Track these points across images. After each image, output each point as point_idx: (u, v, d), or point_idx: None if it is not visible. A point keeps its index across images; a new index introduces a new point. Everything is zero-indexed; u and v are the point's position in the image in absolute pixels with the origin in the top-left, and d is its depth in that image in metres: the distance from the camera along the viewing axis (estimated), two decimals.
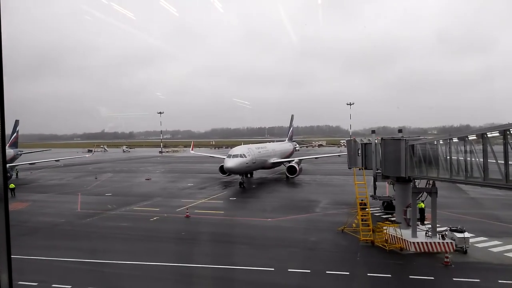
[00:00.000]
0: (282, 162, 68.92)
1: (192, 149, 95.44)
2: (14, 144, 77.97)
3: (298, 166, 62.90)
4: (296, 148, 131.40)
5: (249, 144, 74.27)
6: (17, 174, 73.05)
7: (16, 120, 79.45)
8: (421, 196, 28.21)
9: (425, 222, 31.20)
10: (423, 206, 31.48)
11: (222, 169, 58.38)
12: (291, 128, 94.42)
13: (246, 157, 54.85)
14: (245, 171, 57.99)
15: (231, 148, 64.36)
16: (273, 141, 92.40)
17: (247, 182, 60.52)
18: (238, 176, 58.31)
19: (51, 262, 25.30)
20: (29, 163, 74.86)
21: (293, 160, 66.80)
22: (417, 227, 27.32)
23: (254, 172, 67.14)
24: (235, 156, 54.29)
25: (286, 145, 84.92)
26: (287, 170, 63.17)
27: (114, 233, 32.77)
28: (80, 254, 26.69)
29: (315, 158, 79.25)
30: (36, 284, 21.19)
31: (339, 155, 77.03)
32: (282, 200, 47.31)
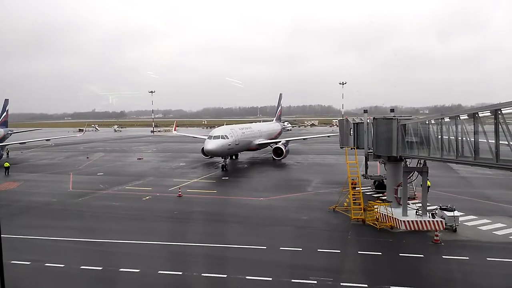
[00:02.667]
0: (268, 143, 65.91)
1: (175, 129, 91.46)
2: (4, 124, 76.99)
3: (285, 148, 60.17)
4: (288, 128, 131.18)
5: (240, 124, 72.07)
6: (7, 154, 72.41)
7: (5, 99, 78.27)
8: (412, 174, 28.55)
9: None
10: (429, 184, 32.35)
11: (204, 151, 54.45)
12: (279, 107, 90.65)
13: (228, 138, 51.40)
14: (227, 154, 54.28)
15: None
16: (267, 121, 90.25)
17: (232, 164, 59.11)
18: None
19: (43, 242, 25.30)
20: (20, 143, 74.20)
21: (279, 141, 64.00)
22: (408, 205, 27.65)
23: (239, 154, 64.91)
24: (216, 137, 50.87)
25: (273, 125, 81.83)
26: (273, 152, 60.57)
27: (106, 212, 32.78)
28: (73, 233, 26.73)
29: (304, 139, 77.20)
30: (29, 263, 21.20)
31: (328, 136, 74.62)
32: (274, 179, 47.51)
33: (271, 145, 64.88)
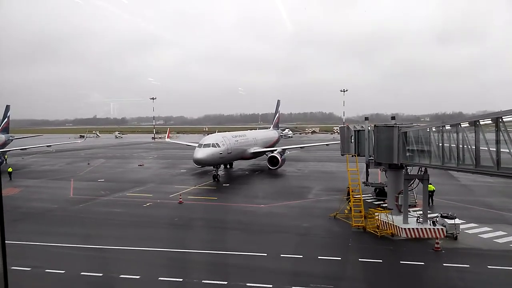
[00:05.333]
0: (264, 152, 62.17)
1: (168, 137, 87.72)
2: (5, 129, 77.13)
3: (281, 157, 57.06)
4: (289, 135, 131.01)
5: (235, 131, 69.62)
6: (6, 160, 72.38)
7: (7, 105, 78.46)
8: (413, 182, 28.59)
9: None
10: (433, 188, 33.84)
11: None
12: (277, 114, 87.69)
13: (219, 146, 48.37)
14: (218, 163, 50.83)
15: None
16: (267, 128, 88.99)
17: (227, 173, 58.27)
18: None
19: (44, 248, 25.28)
20: (21, 149, 74.33)
21: (275, 150, 60.91)
22: (409, 213, 27.65)
23: (233, 162, 62.51)
24: (207, 145, 47.70)
25: (270, 133, 79.18)
26: (268, 161, 57.21)
27: (107, 218, 32.77)
28: (73, 239, 26.70)
29: (301, 147, 76.69)
30: (29, 269, 21.19)
31: (327, 144, 71.93)
32: (274, 187, 47.56)
33: (266, 153, 61.38)
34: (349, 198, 32.25)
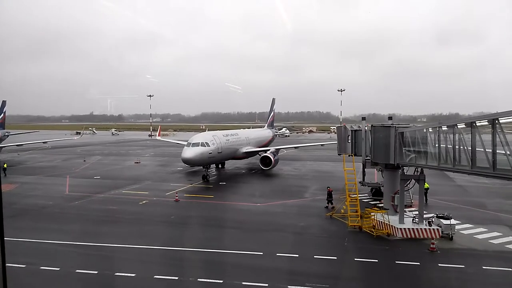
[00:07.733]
0: (257, 152, 60.38)
1: (159, 135, 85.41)
2: (1, 125, 76.66)
3: (274, 157, 55.23)
4: (286, 134, 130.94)
5: (229, 130, 66.60)
6: None
7: (3, 101, 78.03)
8: (409, 182, 28.68)
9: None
10: (427, 186, 34.16)
11: None
12: (272, 113, 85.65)
13: (209, 146, 46.72)
14: (208, 163, 49.14)
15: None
16: (263, 127, 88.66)
17: (222, 173, 57.36)
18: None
19: (39, 245, 25.18)
20: (16, 145, 73.98)
21: (268, 150, 59.20)
22: (405, 213, 27.72)
23: (227, 162, 60.90)
24: (196, 144, 45.98)
25: (264, 132, 77.36)
26: (261, 161, 55.51)
27: (102, 216, 32.65)
28: (69, 236, 26.58)
29: (295, 147, 76.10)
30: (24, 266, 21.11)
31: (322, 145, 70.16)
32: (271, 186, 47.52)
33: (260, 153, 59.32)
34: (331, 199, 33.19)
